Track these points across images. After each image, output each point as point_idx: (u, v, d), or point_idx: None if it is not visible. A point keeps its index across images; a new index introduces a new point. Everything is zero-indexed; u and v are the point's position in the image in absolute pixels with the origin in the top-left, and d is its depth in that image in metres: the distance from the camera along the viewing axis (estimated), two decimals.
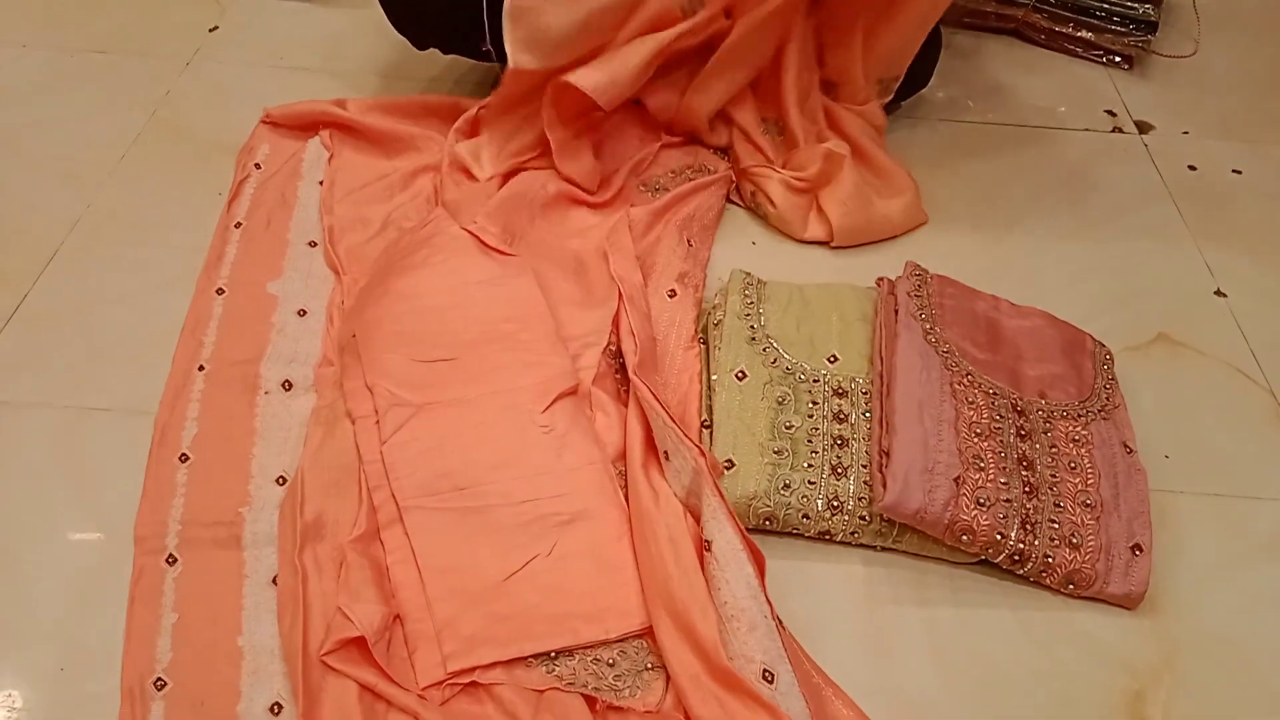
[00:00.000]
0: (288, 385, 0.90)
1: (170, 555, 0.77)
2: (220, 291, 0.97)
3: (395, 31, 1.15)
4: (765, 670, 0.69)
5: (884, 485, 0.77)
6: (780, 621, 0.72)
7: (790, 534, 0.81)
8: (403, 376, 0.86)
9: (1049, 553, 0.76)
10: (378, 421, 0.83)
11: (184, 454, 0.84)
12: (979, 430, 0.82)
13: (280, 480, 0.83)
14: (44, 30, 1.31)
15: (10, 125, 1.17)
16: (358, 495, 0.79)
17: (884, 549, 0.80)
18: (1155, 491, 0.83)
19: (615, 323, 0.92)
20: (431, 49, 1.16)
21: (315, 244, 1.03)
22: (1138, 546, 0.78)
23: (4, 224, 1.04)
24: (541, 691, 0.70)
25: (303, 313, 0.96)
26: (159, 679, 0.70)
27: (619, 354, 0.90)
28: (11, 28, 1.31)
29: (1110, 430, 0.85)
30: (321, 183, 1.08)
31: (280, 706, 0.69)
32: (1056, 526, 0.77)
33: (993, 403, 0.84)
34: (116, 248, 1.02)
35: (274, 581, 0.76)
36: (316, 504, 0.78)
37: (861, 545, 0.80)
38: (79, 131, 1.16)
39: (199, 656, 0.71)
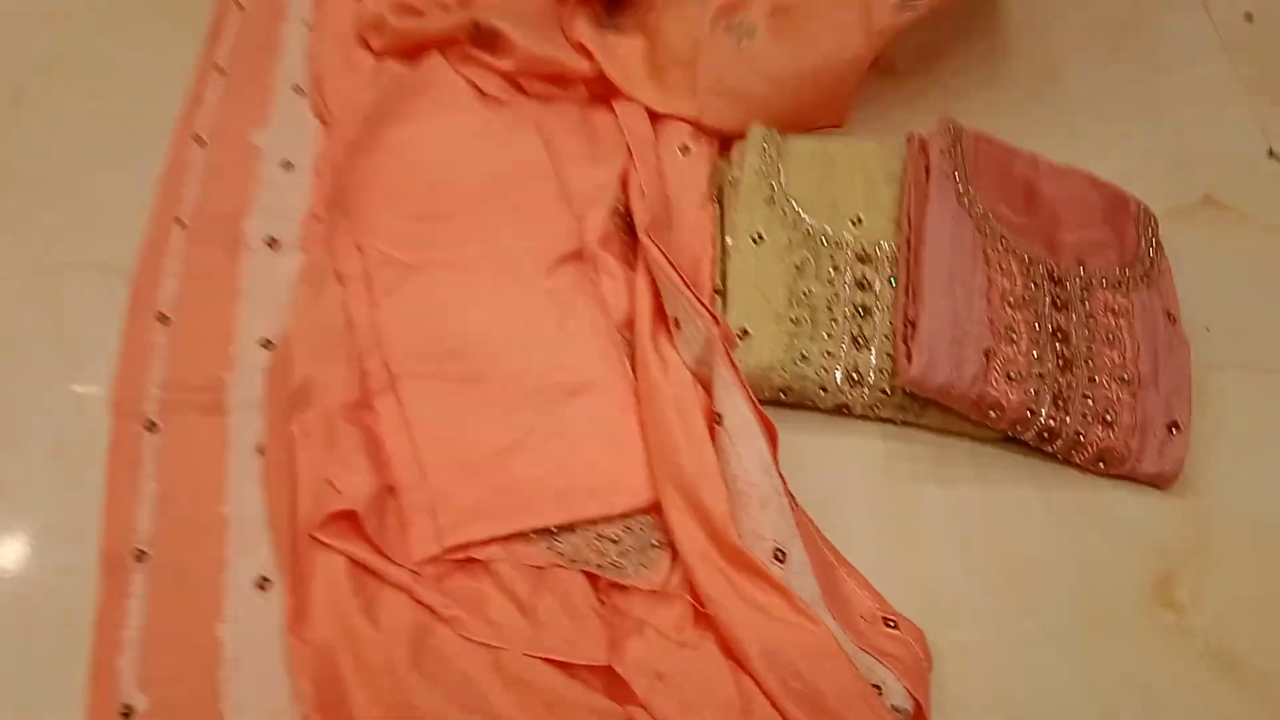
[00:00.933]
0: (273, 243, 0.84)
1: (150, 421, 0.72)
2: (199, 141, 0.90)
3: None
4: (777, 549, 0.65)
5: (909, 357, 0.73)
6: (793, 498, 0.68)
7: (806, 407, 0.76)
8: (395, 235, 0.80)
9: (1081, 430, 0.72)
10: (367, 283, 0.77)
11: (162, 314, 0.79)
12: (1012, 300, 0.76)
13: (266, 343, 0.78)
14: None
15: None
16: (348, 360, 0.74)
17: (904, 423, 0.76)
18: (1196, 365, 0.78)
19: (624, 180, 0.86)
20: None
21: (301, 90, 0.95)
22: (1175, 425, 0.74)
23: None
24: (541, 568, 0.67)
25: (288, 165, 0.90)
26: (139, 550, 0.67)
27: (627, 214, 0.84)
28: None
29: (1153, 298, 0.80)
30: (307, 22, 0.99)
31: (267, 581, 0.66)
32: (1090, 403, 0.73)
33: (1028, 270, 0.78)
34: (87, 92, 0.95)
35: (259, 450, 0.72)
36: (305, 369, 0.74)
37: (881, 419, 0.76)
38: None
39: (181, 527, 0.68)
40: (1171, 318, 0.79)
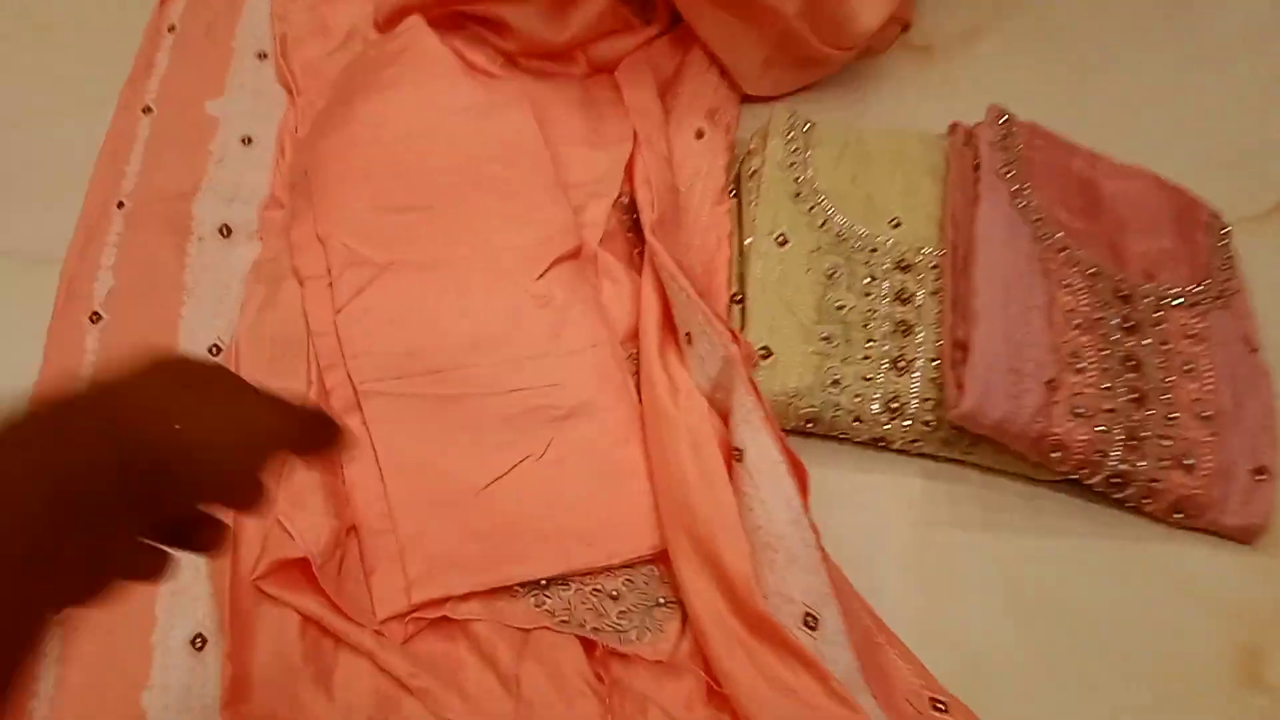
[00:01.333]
0: (226, 230, 0.73)
1: None
2: (147, 110, 0.79)
3: None
4: (808, 614, 0.55)
5: (959, 388, 0.62)
6: (825, 552, 0.58)
7: (835, 439, 0.66)
8: (363, 228, 0.69)
9: (1156, 476, 0.62)
10: (331, 284, 0.67)
11: (96, 313, 0.68)
12: (1077, 320, 0.66)
13: (214, 349, 0.67)
14: None
15: None
16: (306, 376, 0.64)
17: (950, 460, 0.66)
18: (1277, 397, 0.68)
19: (629, 169, 0.75)
20: None
21: (265, 56, 0.84)
22: (1261, 470, 0.64)
23: None
24: (528, 631, 0.57)
25: (248, 140, 0.79)
26: None
27: (633, 207, 0.74)
28: None
29: (1229, 321, 0.70)
30: None
31: (204, 639, 0.56)
32: (1168, 444, 0.63)
33: (1093, 285, 0.68)
34: (19, 53, 0.83)
35: None
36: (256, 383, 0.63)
37: (923, 455, 0.66)
38: None
39: None
40: (1251, 345, 0.69)
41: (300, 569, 0.56)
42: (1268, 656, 0.60)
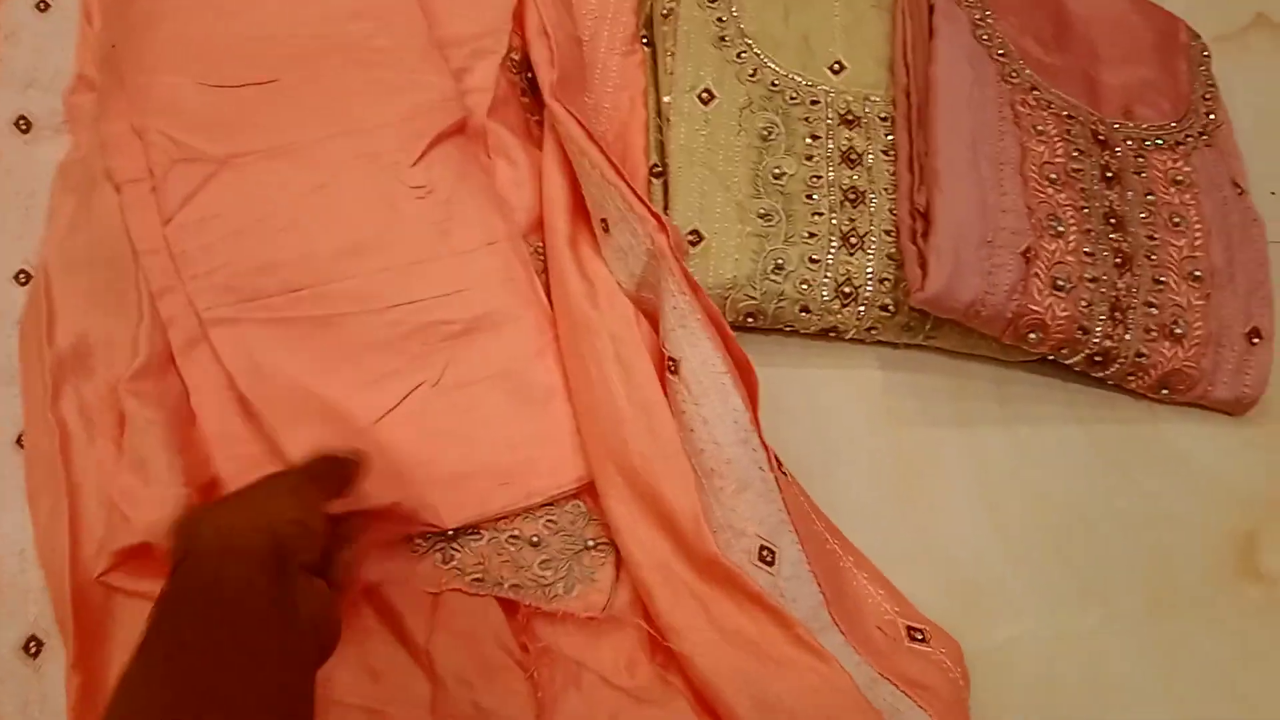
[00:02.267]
0: (24, 124, 0.59)
1: None
2: None
3: None
4: (763, 547, 0.48)
5: (922, 266, 0.53)
6: (782, 467, 0.50)
7: (781, 331, 0.57)
8: (192, 112, 0.56)
9: (1143, 348, 0.55)
10: (154, 188, 0.54)
11: None
12: (1053, 175, 0.57)
13: (21, 277, 0.55)
14: None
15: None
16: (136, 306, 0.52)
17: (909, 346, 0.58)
18: (1268, 244, 0.61)
19: (518, 17, 0.62)
20: None
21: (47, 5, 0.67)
22: (1256, 332, 0.57)
23: None
24: (436, 594, 0.48)
25: (44, 6, 0.64)
26: None
27: (526, 66, 0.61)
28: None
29: (1215, 161, 0.62)
30: None
31: (38, 644, 0.46)
32: (1155, 312, 0.55)
33: (1069, 131, 0.59)
34: None
35: (18, 443, 0.50)
36: (76, 321, 0.51)
37: (880, 343, 0.58)
38: None
39: None
40: (1238, 187, 0.61)
41: (152, 554, 0.46)
42: (1263, 542, 0.54)
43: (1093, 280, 0.54)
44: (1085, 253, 0.55)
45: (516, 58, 0.62)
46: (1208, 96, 0.64)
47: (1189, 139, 0.61)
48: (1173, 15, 0.67)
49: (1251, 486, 0.56)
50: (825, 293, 0.55)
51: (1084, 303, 0.54)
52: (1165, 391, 0.56)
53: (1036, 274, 0.53)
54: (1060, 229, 0.55)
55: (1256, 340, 0.57)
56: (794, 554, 0.48)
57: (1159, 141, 0.61)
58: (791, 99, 0.60)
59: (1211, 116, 0.63)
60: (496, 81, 0.60)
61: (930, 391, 0.57)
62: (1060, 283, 0.53)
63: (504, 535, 0.49)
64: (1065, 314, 0.53)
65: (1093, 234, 0.56)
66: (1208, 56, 0.66)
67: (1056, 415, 0.57)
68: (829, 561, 0.50)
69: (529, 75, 0.61)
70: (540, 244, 0.56)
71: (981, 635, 0.50)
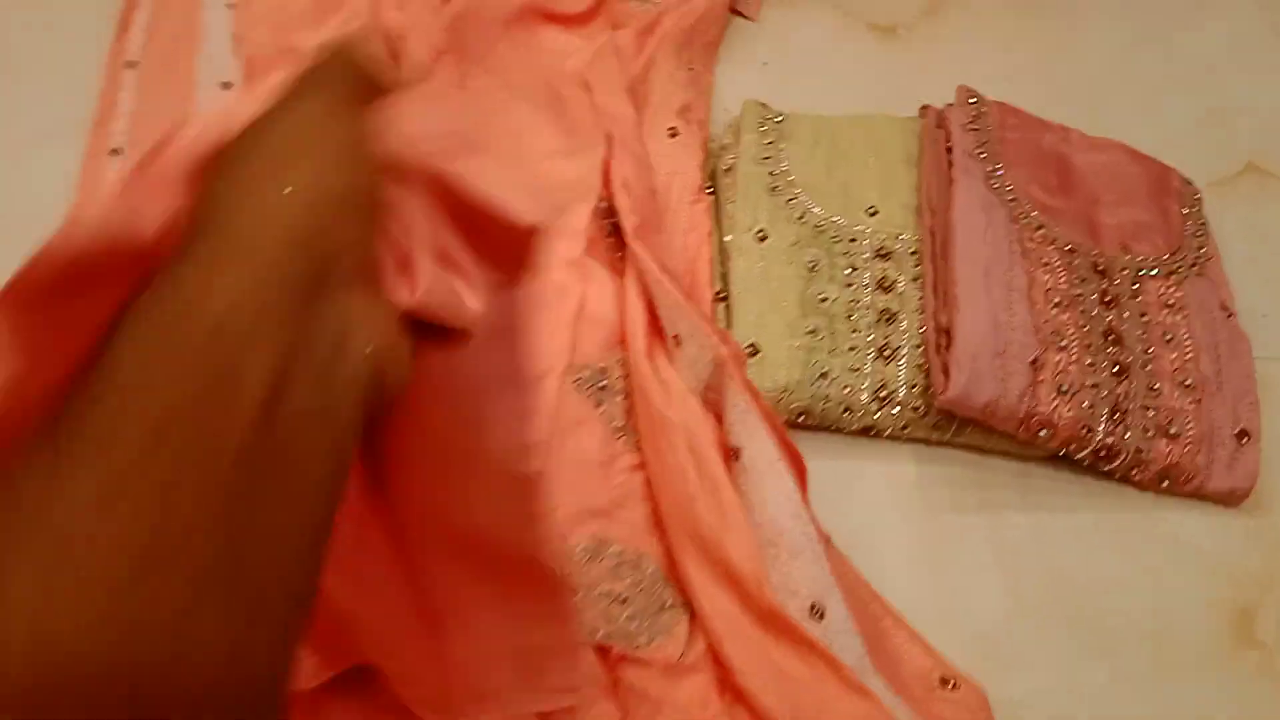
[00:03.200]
0: None
1: None
2: (116, 153, 0.79)
3: None
4: (813, 605, 0.57)
5: (945, 373, 0.63)
6: (829, 541, 0.59)
7: (826, 429, 0.67)
8: None
9: (1142, 445, 0.64)
10: None
11: None
12: (1056, 299, 0.67)
13: None
14: None
15: None
16: None
17: (939, 444, 0.67)
18: (1255, 360, 0.70)
19: (606, 172, 0.75)
20: None
21: (230, 85, 0.83)
22: (1244, 433, 0.65)
23: None
24: None
25: None
26: None
27: (611, 212, 0.74)
28: None
29: (1206, 288, 0.71)
30: (232, 4, 0.87)
31: None
32: (1151, 414, 0.64)
33: (1070, 262, 0.69)
34: None
35: None
36: None
37: (914, 440, 0.67)
38: None
39: None
40: (1227, 310, 0.71)
41: None
42: (1257, 615, 0.62)
43: (1094, 386, 0.64)
44: (1086, 363, 0.65)
45: (603, 205, 0.75)
46: (1199, 233, 0.75)
47: (1181, 269, 0.71)
48: (1165, 165, 0.78)
49: (1247, 568, 0.64)
50: (864, 396, 0.66)
51: (1087, 405, 0.63)
52: (1166, 484, 0.65)
53: (1043, 380, 0.63)
54: (1063, 343, 0.65)
55: (1245, 440, 0.65)
56: (840, 611, 0.57)
57: (1153, 271, 0.71)
58: (833, 237, 0.72)
59: (1203, 250, 0.73)
60: (589, 222, 0.73)
61: (959, 483, 0.66)
62: (1064, 388, 0.63)
63: (596, 592, 0.59)
64: (1070, 414, 0.63)
65: (1092, 348, 0.65)
66: (1199, 199, 0.77)
67: (1071, 504, 0.66)
68: (871, 620, 0.59)
69: (613, 220, 0.74)
70: (623, 355, 0.68)
71: (1000, 689, 0.58)
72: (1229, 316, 0.70)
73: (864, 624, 0.57)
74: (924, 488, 0.66)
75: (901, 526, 0.65)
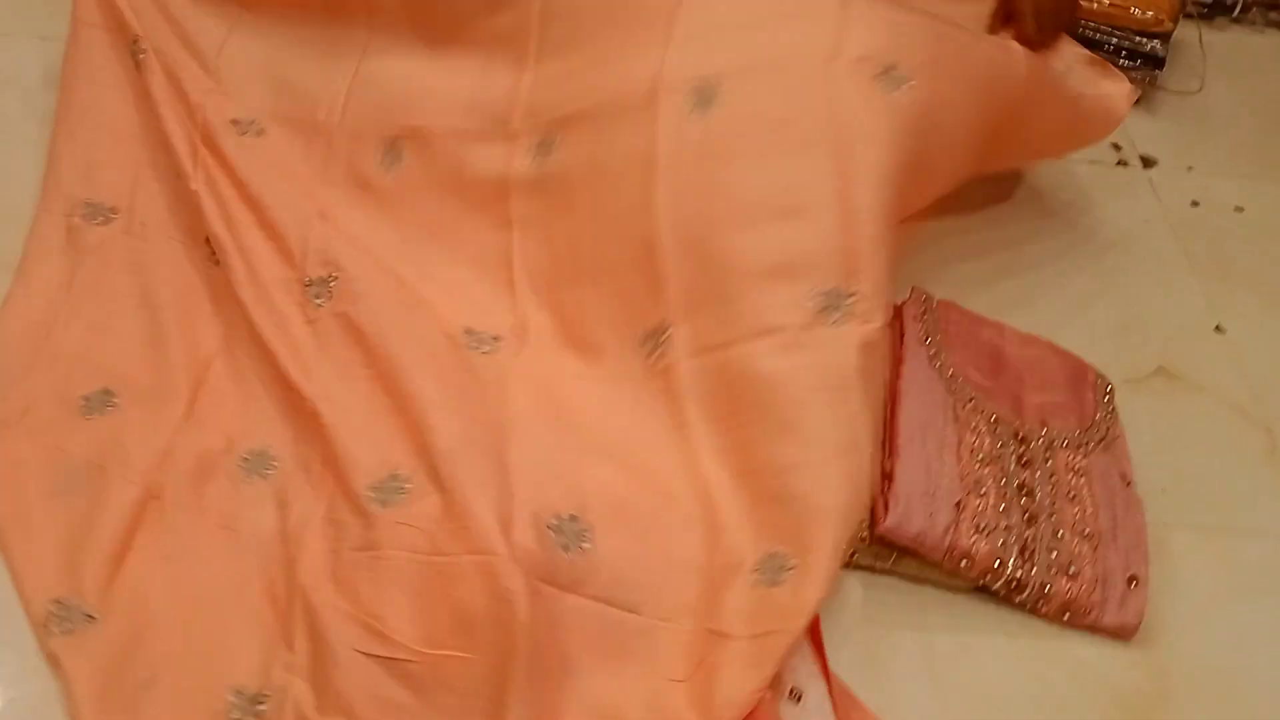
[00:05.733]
0: None
1: None
2: None
3: None
4: (793, 688, 0.69)
5: (885, 507, 0.78)
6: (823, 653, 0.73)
7: None
8: None
9: (1046, 581, 0.77)
10: None
11: None
12: (980, 456, 0.82)
13: None
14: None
15: (11, 114, 1.15)
16: None
17: (882, 571, 0.81)
18: (1152, 524, 0.84)
19: None
20: None
21: None
22: (1134, 578, 0.79)
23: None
24: None
25: None
26: None
27: None
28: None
29: (1109, 461, 0.86)
30: None
31: None
32: (1054, 556, 0.78)
33: (995, 429, 0.85)
34: None
35: None
36: None
37: (859, 567, 0.81)
38: None
39: None
40: (1126, 480, 0.85)
41: None
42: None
43: (1006, 528, 0.78)
44: (1001, 509, 0.79)
45: None
46: (1108, 417, 0.90)
47: (1089, 444, 0.87)
48: (1083, 361, 0.94)
49: (1134, 691, 0.76)
50: None
51: (1000, 543, 0.77)
52: (1067, 616, 0.78)
53: (964, 520, 0.77)
54: (984, 491, 0.80)
55: (1134, 583, 0.78)
56: (819, 695, 0.69)
57: (1064, 443, 0.86)
58: None
59: (1109, 430, 0.89)
60: None
61: (897, 606, 0.79)
62: (982, 526, 0.77)
63: None
64: (986, 549, 0.76)
65: (1007, 497, 0.80)
66: (1111, 390, 0.93)
67: (990, 628, 0.78)
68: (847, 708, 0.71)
69: None
70: None
71: None
72: (1127, 484, 0.85)
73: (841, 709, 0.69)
74: (867, 607, 0.79)
75: (845, 639, 0.77)
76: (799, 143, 0.80)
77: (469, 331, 0.82)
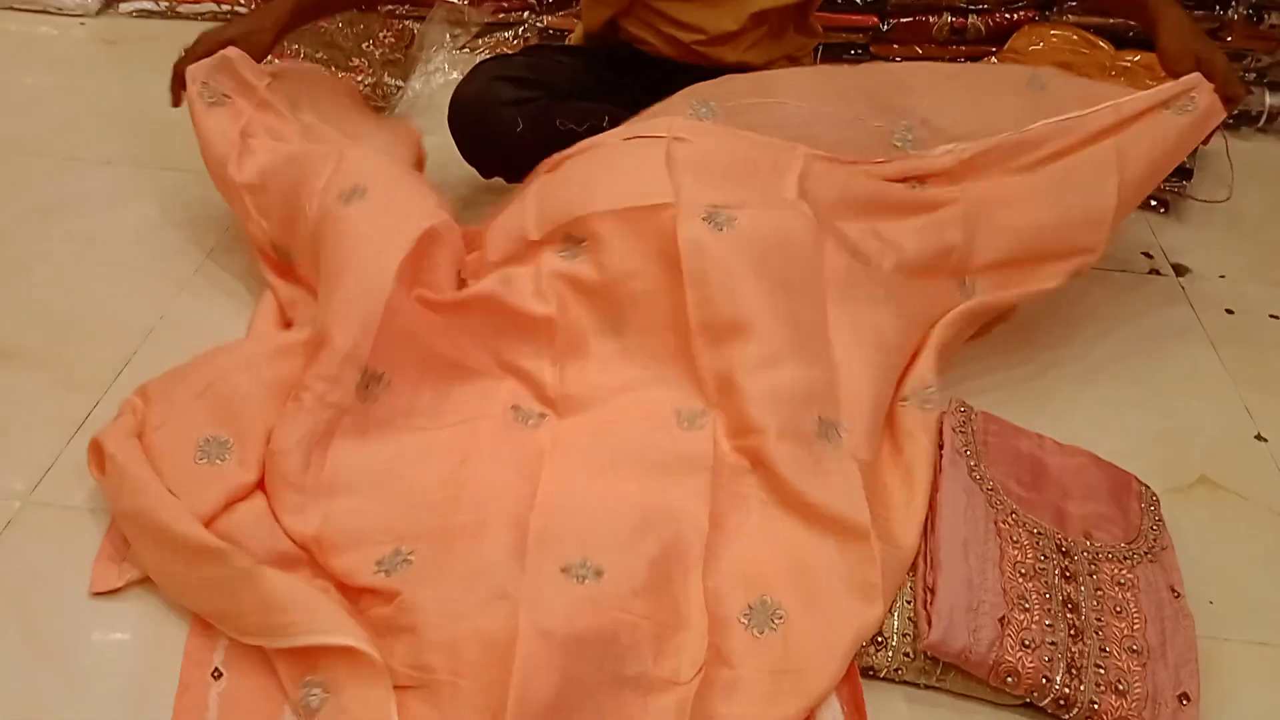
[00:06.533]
0: None
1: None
2: None
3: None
4: None
5: (929, 623, 0.78)
6: None
7: None
8: None
9: (1095, 698, 0.76)
10: None
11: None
12: (1024, 570, 0.82)
13: None
14: (125, 147, 1.39)
15: (88, 235, 1.22)
16: None
17: (927, 687, 0.80)
18: (1201, 638, 0.83)
19: None
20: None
21: None
22: (1185, 696, 0.78)
23: (79, 331, 1.09)
24: None
25: None
26: None
27: None
28: (96, 145, 1.40)
29: (1157, 573, 0.86)
30: None
31: None
32: (1102, 672, 0.77)
33: (1037, 542, 0.85)
34: (188, 358, 1.06)
35: None
36: None
37: (905, 682, 0.80)
38: (155, 243, 1.22)
39: None
40: (1175, 592, 0.85)
41: None
42: None
43: (1052, 643, 0.78)
44: (1046, 624, 0.79)
45: None
46: (1155, 528, 0.90)
47: (1135, 556, 0.86)
48: (1126, 471, 0.94)
49: None
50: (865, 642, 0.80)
51: (1046, 658, 0.77)
52: None
53: (1009, 635, 0.77)
54: (1028, 606, 0.80)
55: (1185, 701, 0.77)
56: None
57: (1110, 555, 0.86)
58: None
59: (1157, 540, 0.88)
60: None
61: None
62: (1027, 642, 0.77)
63: None
64: (1032, 665, 0.76)
65: (1053, 611, 0.80)
66: (1156, 500, 0.93)
67: None
68: None
69: None
70: None
71: None
72: (1176, 597, 0.84)
73: None
74: None
75: None
76: None
77: None
